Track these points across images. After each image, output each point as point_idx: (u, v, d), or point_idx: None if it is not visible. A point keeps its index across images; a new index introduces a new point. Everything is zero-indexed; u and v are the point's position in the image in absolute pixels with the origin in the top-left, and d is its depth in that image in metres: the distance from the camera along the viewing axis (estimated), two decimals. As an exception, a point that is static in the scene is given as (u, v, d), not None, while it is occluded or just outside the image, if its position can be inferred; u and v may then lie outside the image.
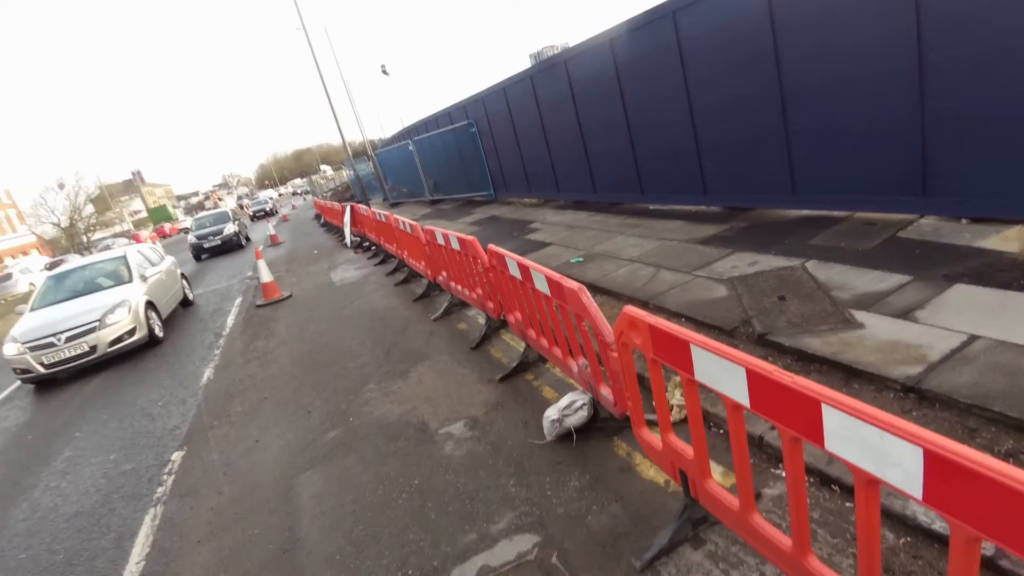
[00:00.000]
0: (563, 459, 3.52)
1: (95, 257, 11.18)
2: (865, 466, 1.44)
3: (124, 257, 10.25)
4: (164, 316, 9.88)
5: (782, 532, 2.00)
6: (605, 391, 3.36)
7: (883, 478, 1.40)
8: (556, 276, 3.40)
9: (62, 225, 51.99)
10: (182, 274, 12.07)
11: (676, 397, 3.65)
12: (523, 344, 4.92)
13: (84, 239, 51.73)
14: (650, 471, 3.21)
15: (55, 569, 3.75)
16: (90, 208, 55.09)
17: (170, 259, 11.89)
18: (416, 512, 3.41)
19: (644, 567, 2.59)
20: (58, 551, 3.94)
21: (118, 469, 4.98)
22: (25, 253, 46.56)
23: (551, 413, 3.73)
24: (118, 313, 8.65)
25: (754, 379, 1.76)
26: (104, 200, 59.25)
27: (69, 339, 8.25)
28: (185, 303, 11.59)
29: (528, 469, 3.52)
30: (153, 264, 10.67)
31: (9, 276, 27.54)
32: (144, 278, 9.74)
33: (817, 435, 1.56)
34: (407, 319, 7.19)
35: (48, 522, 4.36)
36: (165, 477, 4.64)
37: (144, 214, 74.68)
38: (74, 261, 12.86)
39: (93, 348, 8.35)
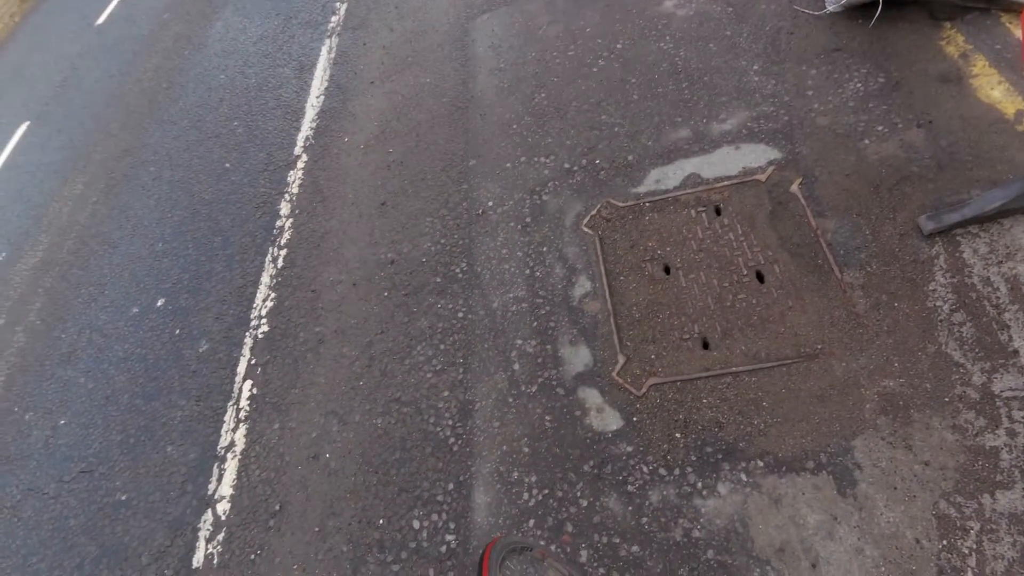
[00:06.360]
0: (847, 45, 2.30)
1: None
2: None
3: None
4: None
5: None
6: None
7: None
8: None
9: None
10: None
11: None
12: None
13: None
14: (994, 91, 1.96)
15: (248, 93, 3.78)
16: None
17: None
18: (615, 87, 2.63)
19: (935, 232, 1.74)
20: (250, 75, 3.92)
21: (294, -9, 4.56)
22: None
23: (849, -38, 2.30)
24: None
25: None
26: None
27: None
28: None
29: (784, 52, 2.40)
30: None
31: None
32: None
33: None
34: None
35: (239, 44, 4.28)
36: (338, 5, 4.15)
37: None
38: None
39: None
